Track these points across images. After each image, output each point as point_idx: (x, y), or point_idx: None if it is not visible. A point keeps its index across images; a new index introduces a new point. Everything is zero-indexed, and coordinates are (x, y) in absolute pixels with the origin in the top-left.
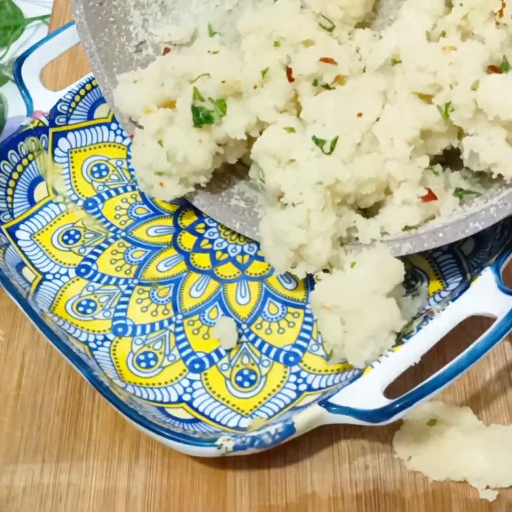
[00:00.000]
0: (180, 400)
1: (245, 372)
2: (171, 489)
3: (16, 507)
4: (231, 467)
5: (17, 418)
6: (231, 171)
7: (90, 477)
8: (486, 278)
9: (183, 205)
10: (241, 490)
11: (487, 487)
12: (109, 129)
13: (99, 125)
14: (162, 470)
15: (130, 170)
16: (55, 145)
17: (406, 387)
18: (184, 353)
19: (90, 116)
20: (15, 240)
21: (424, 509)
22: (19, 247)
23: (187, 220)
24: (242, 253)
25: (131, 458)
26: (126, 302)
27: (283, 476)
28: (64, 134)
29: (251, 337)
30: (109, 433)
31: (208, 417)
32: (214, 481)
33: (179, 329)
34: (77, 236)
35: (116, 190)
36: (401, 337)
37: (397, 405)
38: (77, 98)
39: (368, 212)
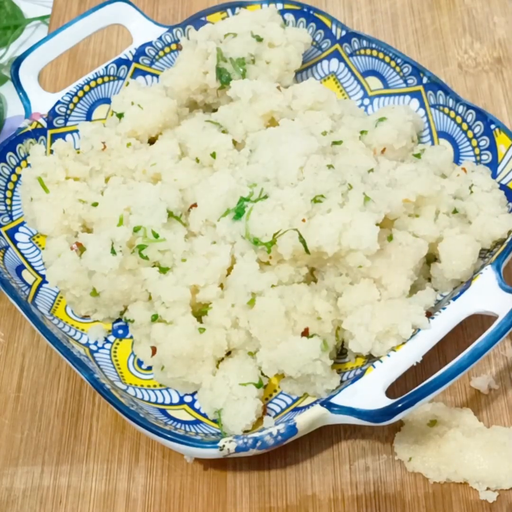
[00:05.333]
0: (181, 401)
1: None
2: (171, 491)
3: (16, 509)
4: (231, 469)
5: (17, 420)
6: None
7: (90, 480)
8: (487, 277)
9: None
10: (241, 492)
11: (488, 489)
12: None
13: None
14: (162, 472)
15: None
16: None
17: (407, 388)
18: None
19: (88, 117)
20: (15, 242)
21: (425, 511)
22: (19, 250)
23: None
24: None
25: (131, 460)
26: None
27: (284, 477)
28: (62, 135)
29: None
30: (109, 435)
31: (209, 418)
32: (214, 483)
33: None
34: None
35: None
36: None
37: (399, 405)
38: (75, 99)
39: None
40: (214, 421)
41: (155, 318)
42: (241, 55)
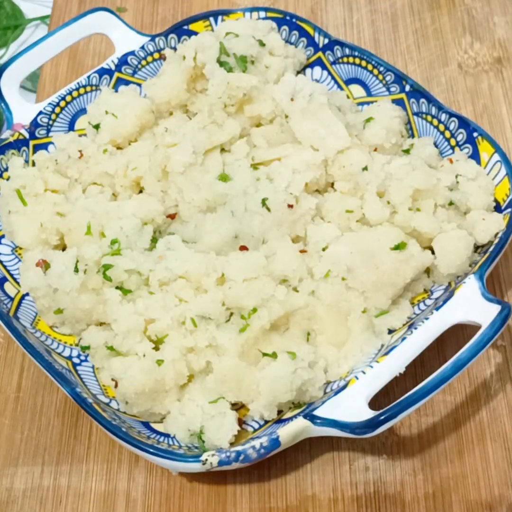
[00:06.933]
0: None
1: None
2: (171, 491)
3: (16, 509)
4: (231, 469)
5: (17, 421)
6: None
7: (90, 480)
8: (470, 286)
9: None
10: (241, 492)
11: None
12: None
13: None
14: (162, 472)
15: None
16: None
17: (407, 388)
18: None
19: (71, 128)
20: None
21: (425, 511)
22: (1, 262)
23: None
24: None
25: (131, 460)
26: None
27: (283, 477)
28: (44, 146)
29: None
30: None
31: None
32: (214, 483)
33: None
34: None
35: None
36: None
37: (382, 417)
38: (57, 109)
39: None
40: (188, 447)
41: (110, 348)
42: (244, 53)
